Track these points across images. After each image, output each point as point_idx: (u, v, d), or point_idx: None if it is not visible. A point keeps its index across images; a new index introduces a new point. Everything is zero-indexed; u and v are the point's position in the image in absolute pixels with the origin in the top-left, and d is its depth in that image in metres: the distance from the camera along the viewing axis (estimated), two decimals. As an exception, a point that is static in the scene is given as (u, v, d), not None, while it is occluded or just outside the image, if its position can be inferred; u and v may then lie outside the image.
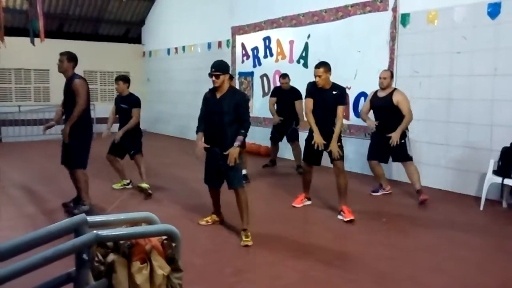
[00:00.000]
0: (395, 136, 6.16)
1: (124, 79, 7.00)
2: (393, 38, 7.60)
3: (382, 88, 6.44)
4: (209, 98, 4.95)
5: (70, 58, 5.72)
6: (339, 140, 5.60)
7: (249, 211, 4.90)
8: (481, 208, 5.94)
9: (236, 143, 4.71)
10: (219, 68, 4.76)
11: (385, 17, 7.69)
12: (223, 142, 4.80)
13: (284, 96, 8.47)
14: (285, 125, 8.43)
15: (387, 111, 6.32)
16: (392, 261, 4.22)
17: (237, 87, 11.33)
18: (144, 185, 6.79)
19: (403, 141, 6.29)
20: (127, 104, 6.88)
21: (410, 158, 6.38)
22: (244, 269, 4.03)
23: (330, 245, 4.65)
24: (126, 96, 6.95)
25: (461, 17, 6.68)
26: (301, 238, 4.89)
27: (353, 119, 8.46)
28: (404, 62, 7.42)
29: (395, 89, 6.43)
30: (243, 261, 4.22)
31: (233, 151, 4.71)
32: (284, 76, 8.51)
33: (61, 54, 5.75)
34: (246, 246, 4.61)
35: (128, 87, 7.00)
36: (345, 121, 8.49)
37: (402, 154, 6.36)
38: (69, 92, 5.68)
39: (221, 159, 4.82)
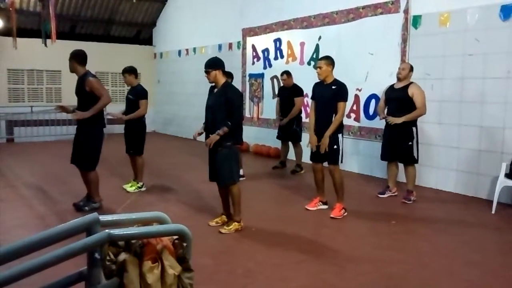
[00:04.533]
0: (395, 119, 6.15)
1: (128, 71, 7.02)
2: (404, 40, 7.56)
3: (399, 79, 6.42)
4: (210, 93, 5.14)
5: (74, 56, 5.71)
6: (337, 142, 5.58)
7: (240, 205, 5.12)
8: (493, 212, 5.88)
9: (218, 131, 4.81)
10: (208, 64, 4.97)
11: (397, 19, 7.65)
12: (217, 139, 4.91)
13: (285, 94, 8.53)
14: (287, 124, 8.43)
15: (400, 104, 6.27)
16: (404, 264, 4.19)
17: (247, 88, 11.36)
18: (133, 188, 6.89)
19: (410, 143, 6.27)
20: (133, 95, 6.91)
21: (415, 161, 6.38)
22: (255, 271, 4.01)
23: (342, 248, 4.62)
24: (134, 87, 6.98)
25: (474, 19, 6.62)
26: (313, 240, 4.87)
27: (364, 121, 8.42)
28: (416, 65, 7.33)
29: (412, 82, 6.37)
30: (254, 262, 4.21)
31: (212, 137, 4.86)
32: (282, 73, 8.55)
33: (69, 55, 5.78)
34: (220, 232, 4.97)
35: (135, 77, 7.01)
36: (355, 123, 8.51)
37: (408, 156, 6.35)
38: (81, 91, 5.68)
39: (216, 157, 4.99)
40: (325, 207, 6.01)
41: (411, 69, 6.43)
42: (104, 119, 5.94)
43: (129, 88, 7.18)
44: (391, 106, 6.46)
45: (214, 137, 4.86)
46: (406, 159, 6.41)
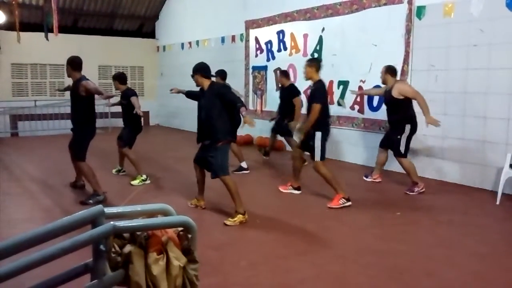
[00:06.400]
0: (431, 120, 6.15)
1: (114, 78, 7.40)
2: (408, 31, 7.51)
3: (384, 84, 6.74)
4: (201, 95, 5.45)
5: (69, 63, 5.97)
6: (312, 139, 5.76)
7: (240, 196, 5.16)
8: (498, 202, 5.87)
9: (243, 113, 4.98)
10: (192, 70, 5.35)
11: (401, 10, 7.60)
12: (214, 135, 5.17)
13: (283, 94, 8.57)
14: (280, 120, 8.53)
15: (390, 105, 6.57)
16: (408, 255, 4.19)
17: (251, 81, 11.34)
18: (137, 181, 6.97)
19: (398, 136, 6.41)
20: (125, 99, 7.17)
21: (401, 155, 6.46)
22: (260, 263, 4.03)
23: (346, 240, 4.63)
24: (124, 92, 7.23)
25: (478, 9, 6.57)
26: (317, 232, 4.87)
27: (368, 113, 8.40)
28: (420, 56, 7.33)
29: (396, 81, 6.55)
30: (258, 254, 4.22)
31: (247, 119, 4.97)
32: (275, 70, 8.72)
33: (66, 61, 6.04)
34: (225, 224, 5.00)
35: (120, 83, 7.26)
36: (359, 115, 8.50)
37: (395, 148, 6.53)
38: (75, 95, 5.95)
39: (209, 152, 5.22)
40: (296, 192, 6.36)
41: (387, 70, 6.61)
42: (95, 119, 6.21)
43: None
44: (387, 109, 6.72)
45: (248, 119, 4.97)
46: (394, 150, 6.60)
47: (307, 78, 5.98)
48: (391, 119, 6.60)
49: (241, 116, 5.09)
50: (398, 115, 6.40)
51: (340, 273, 3.82)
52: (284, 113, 8.32)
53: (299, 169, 6.33)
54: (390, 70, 6.58)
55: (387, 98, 6.59)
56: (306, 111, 6.09)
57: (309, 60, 6.12)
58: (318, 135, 5.74)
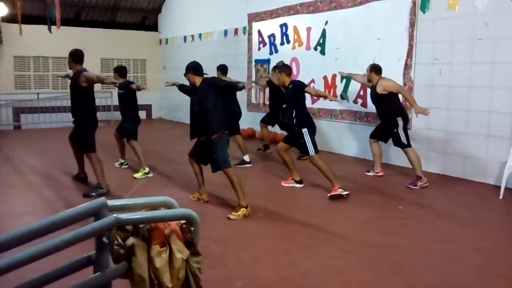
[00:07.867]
0: (420, 110, 6.25)
1: (115, 70, 7.70)
2: (412, 25, 7.45)
3: (369, 82, 6.87)
4: (193, 92, 5.51)
5: (70, 55, 6.05)
6: (302, 137, 5.94)
7: (243, 189, 5.17)
8: (501, 197, 5.84)
9: (243, 85, 5.20)
10: (185, 69, 5.44)
11: (404, 3, 7.53)
12: (208, 128, 5.21)
13: (272, 88, 8.58)
14: (275, 115, 8.55)
15: (376, 101, 6.76)
16: (410, 250, 4.18)
17: (253, 74, 11.31)
18: (140, 174, 6.99)
19: (395, 130, 6.49)
20: (122, 89, 7.29)
21: (405, 145, 6.54)
22: (262, 256, 4.03)
23: (348, 234, 4.62)
24: (120, 84, 7.27)
25: (483, 3, 6.52)
26: (320, 226, 4.86)
27: (371, 107, 8.35)
28: (424, 49, 7.29)
29: (380, 78, 6.64)
30: (261, 248, 4.23)
31: (249, 86, 5.39)
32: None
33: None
34: (228, 218, 4.99)
35: (120, 75, 7.45)
36: (362, 109, 8.48)
37: (397, 142, 6.59)
38: (76, 86, 5.96)
39: (208, 147, 5.25)
40: (298, 185, 6.40)
41: (372, 69, 6.74)
42: (96, 110, 6.28)
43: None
44: (375, 105, 6.90)
45: (249, 85, 5.48)
46: (398, 144, 6.62)
47: (280, 84, 6.27)
48: (381, 116, 6.80)
49: (244, 90, 5.23)
50: (387, 110, 6.59)
51: (342, 267, 3.82)
52: (277, 107, 8.27)
53: (291, 161, 6.42)
54: (374, 69, 6.74)
55: (372, 94, 6.79)
56: (288, 108, 6.30)
57: (279, 67, 6.39)
58: (305, 131, 5.91)
